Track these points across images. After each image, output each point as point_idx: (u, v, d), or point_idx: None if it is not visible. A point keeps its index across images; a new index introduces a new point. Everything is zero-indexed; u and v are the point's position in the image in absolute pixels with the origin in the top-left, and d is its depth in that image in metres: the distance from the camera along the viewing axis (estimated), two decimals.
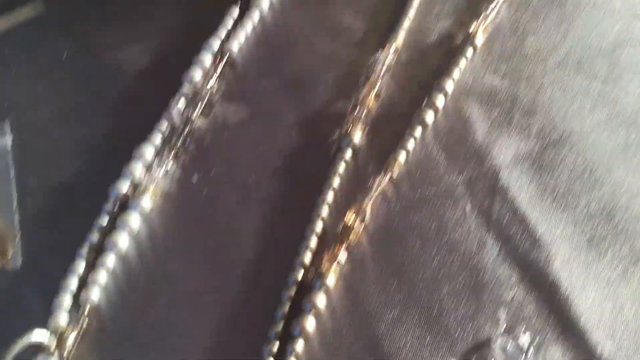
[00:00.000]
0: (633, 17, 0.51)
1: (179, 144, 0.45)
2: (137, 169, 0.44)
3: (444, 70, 0.48)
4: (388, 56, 0.48)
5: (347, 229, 0.41)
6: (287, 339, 0.38)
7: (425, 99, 0.46)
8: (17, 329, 0.36)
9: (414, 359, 0.38)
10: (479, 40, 0.49)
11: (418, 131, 0.45)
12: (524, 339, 0.37)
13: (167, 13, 0.53)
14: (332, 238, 0.41)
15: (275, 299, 0.39)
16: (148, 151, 0.44)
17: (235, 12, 0.52)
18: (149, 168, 0.44)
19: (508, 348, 0.37)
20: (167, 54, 0.50)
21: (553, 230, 0.41)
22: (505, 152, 0.44)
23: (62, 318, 0.39)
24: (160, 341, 0.39)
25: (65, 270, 0.41)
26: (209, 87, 0.48)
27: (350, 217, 0.41)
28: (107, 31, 0.52)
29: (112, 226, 0.42)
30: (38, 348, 0.37)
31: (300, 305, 0.39)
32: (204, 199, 0.44)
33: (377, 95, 0.47)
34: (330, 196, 0.43)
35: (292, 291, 0.39)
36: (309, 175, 0.44)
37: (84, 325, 0.39)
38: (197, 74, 0.48)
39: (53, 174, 0.45)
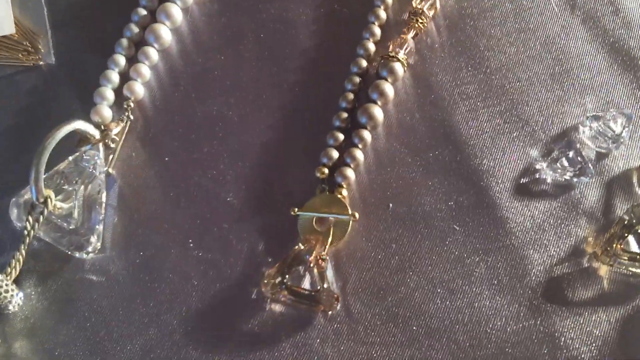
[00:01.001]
0: None
1: None
2: None
3: None
4: None
5: (415, 16, 0.36)
6: (352, 128, 0.35)
7: None
8: (57, 124, 0.33)
9: (492, 148, 0.34)
10: None
11: None
12: (616, 122, 0.33)
13: None
14: (398, 25, 0.37)
15: (338, 90, 0.36)
16: None
17: None
18: None
19: (599, 132, 0.33)
20: None
21: None
22: None
23: (105, 111, 0.35)
24: (210, 132, 0.36)
25: (103, 66, 0.37)
26: None
27: (417, 2, 0.37)
28: None
29: (153, 19, 0.38)
30: (82, 139, 0.35)
31: (366, 96, 0.35)
32: None
33: None
34: None
35: (356, 80, 0.35)
36: None
37: (128, 119, 0.36)
38: None
39: None
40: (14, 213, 0.33)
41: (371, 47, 0.36)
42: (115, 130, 0.35)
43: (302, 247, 0.32)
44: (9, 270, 0.32)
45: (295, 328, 0.31)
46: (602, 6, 0.37)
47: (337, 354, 0.31)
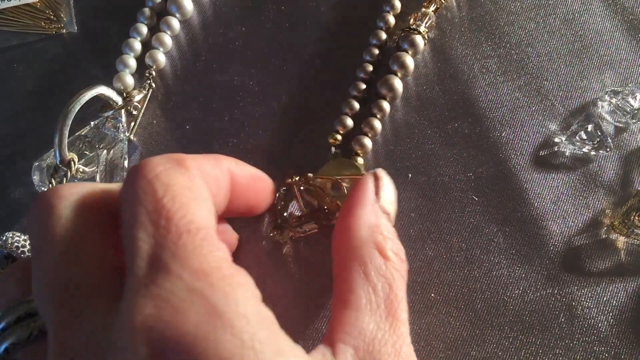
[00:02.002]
0: None
1: None
2: None
3: None
4: None
5: None
6: (371, 99, 0.35)
7: None
8: (79, 90, 0.34)
9: (511, 121, 0.34)
10: None
11: None
12: (635, 97, 0.34)
13: None
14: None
15: (356, 62, 0.36)
16: None
17: None
18: None
19: (618, 107, 0.34)
20: None
21: None
22: None
23: (128, 78, 0.36)
24: (231, 102, 0.36)
25: (124, 35, 0.37)
26: None
27: None
28: None
29: None
30: (105, 105, 0.35)
31: (386, 68, 0.35)
32: None
33: None
34: None
35: (375, 52, 0.36)
36: None
37: (150, 87, 0.36)
38: None
39: None
40: (36, 177, 0.34)
41: (391, 19, 0.36)
42: (138, 97, 0.35)
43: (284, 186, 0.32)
44: None
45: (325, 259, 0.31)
46: None
47: None
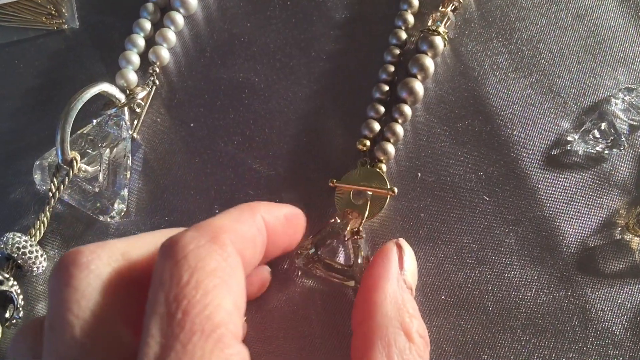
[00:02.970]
0: None
1: None
2: None
3: None
4: None
5: None
6: (392, 102, 0.34)
7: None
8: (81, 88, 0.33)
9: (523, 119, 0.34)
10: None
11: None
12: None
13: None
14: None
15: (367, 60, 0.35)
16: None
17: None
18: None
19: (631, 104, 0.33)
20: None
21: None
22: None
23: (131, 75, 0.35)
24: (236, 99, 0.35)
25: (127, 31, 0.37)
26: None
27: None
28: None
29: None
30: (108, 102, 0.34)
31: (406, 70, 0.35)
32: None
33: None
34: None
35: (396, 52, 0.35)
36: None
37: (154, 84, 0.35)
38: None
39: None
40: (37, 176, 0.33)
41: (410, 18, 0.36)
42: (141, 94, 0.35)
43: (338, 220, 0.31)
44: (33, 231, 0.32)
45: (325, 303, 0.31)
46: None
47: None
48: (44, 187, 0.33)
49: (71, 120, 0.31)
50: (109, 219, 0.33)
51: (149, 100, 0.35)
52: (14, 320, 0.31)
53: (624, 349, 0.29)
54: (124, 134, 0.33)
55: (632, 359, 0.29)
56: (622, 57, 0.35)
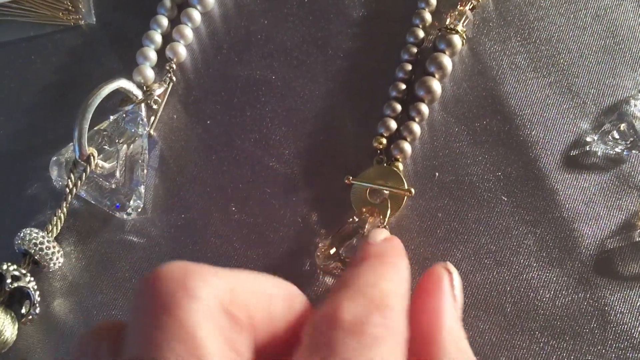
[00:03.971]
0: None
1: None
2: None
3: None
4: None
5: None
6: (409, 101, 0.34)
7: None
8: (98, 84, 0.33)
9: (541, 119, 0.33)
10: None
11: None
12: None
13: None
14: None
15: (383, 58, 0.35)
16: None
17: None
18: None
19: None
20: None
21: None
22: None
23: (148, 71, 0.35)
24: (253, 96, 0.35)
25: (144, 27, 0.36)
26: None
27: None
28: None
29: None
30: (125, 99, 0.34)
31: (423, 68, 0.34)
32: None
33: None
34: None
35: (413, 51, 0.35)
36: None
37: (171, 81, 0.35)
38: None
39: None
40: (54, 172, 0.33)
41: (427, 17, 0.35)
42: (158, 91, 0.35)
43: (357, 219, 0.31)
44: (49, 227, 0.32)
45: None
46: None
47: None
48: (61, 183, 0.33)
49: (89, 116, 0.31)
50: (125, 216, 0.33)
51: (166, 97, 0.35)
52: (30, 317, 0.31)
53: None
54: (141, 130, 0.33)
55: None
56: None
